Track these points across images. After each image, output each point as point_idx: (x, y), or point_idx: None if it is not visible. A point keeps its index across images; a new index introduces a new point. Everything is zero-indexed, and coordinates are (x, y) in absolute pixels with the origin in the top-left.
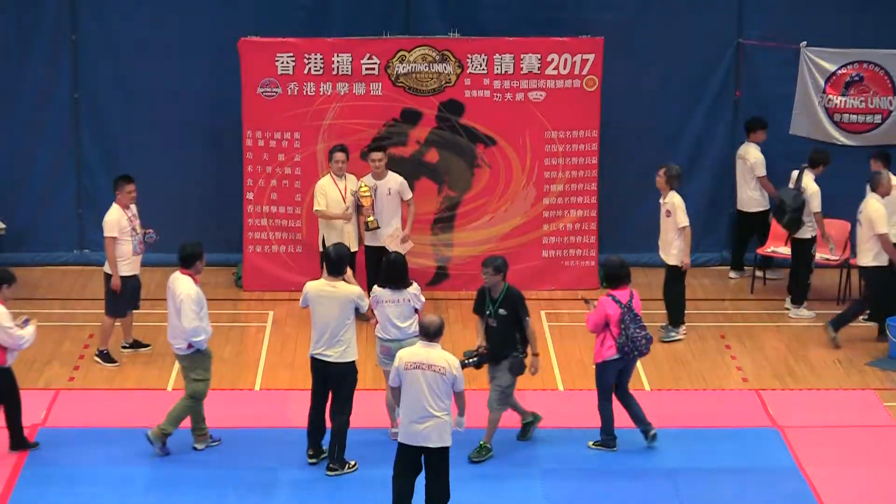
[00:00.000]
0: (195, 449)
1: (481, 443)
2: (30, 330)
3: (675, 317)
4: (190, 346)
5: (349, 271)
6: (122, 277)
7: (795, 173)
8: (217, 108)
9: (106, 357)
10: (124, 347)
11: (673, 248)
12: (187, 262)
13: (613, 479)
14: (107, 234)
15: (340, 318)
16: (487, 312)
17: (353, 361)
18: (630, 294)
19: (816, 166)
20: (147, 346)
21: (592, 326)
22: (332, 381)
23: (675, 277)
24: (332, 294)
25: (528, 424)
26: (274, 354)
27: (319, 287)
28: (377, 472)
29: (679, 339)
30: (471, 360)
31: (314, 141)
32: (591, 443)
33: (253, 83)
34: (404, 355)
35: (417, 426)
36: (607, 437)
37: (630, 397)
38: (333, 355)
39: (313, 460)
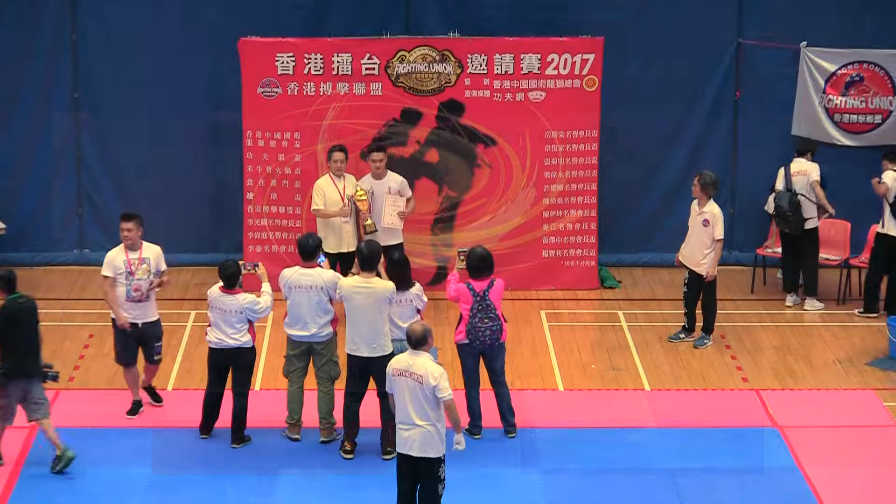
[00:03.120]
0: (322, 443)
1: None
2: (266, 296)
3: (710, 324)
4: (335, 326)
5: (381, 268)
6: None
7: (782, 171)
8: (217, 108)
9: (152, 394)
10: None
11: (705, 259)
12: (312, 255)
13: (613, 479)
14: (102, 272)
15: (376, 313)
16: None
17: (392, 353)
18: (489, 284)
19: (805, 154)
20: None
21: (448, 295)
22: (376, 374)
23: (710, 285)
24: (367, 290)
25: (59, 458)
26: (274, 354)
27: (353, 284)
28: (377, 474)
29: (710, 345)
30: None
31: (314, 141)
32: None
33: (253, 83)
34: (394, 362)
35: (404, 433)
36: (472, 427)
37: (497, 389)
38: (371, 351)
39: (350, 455)
